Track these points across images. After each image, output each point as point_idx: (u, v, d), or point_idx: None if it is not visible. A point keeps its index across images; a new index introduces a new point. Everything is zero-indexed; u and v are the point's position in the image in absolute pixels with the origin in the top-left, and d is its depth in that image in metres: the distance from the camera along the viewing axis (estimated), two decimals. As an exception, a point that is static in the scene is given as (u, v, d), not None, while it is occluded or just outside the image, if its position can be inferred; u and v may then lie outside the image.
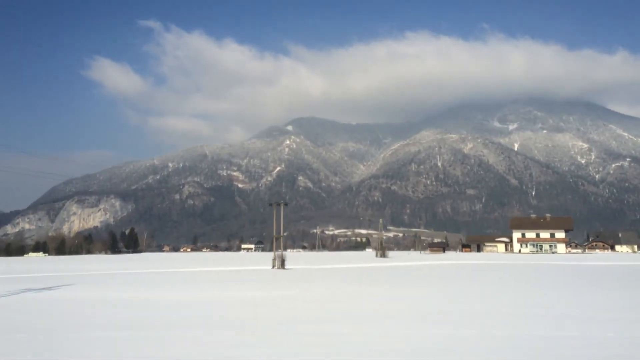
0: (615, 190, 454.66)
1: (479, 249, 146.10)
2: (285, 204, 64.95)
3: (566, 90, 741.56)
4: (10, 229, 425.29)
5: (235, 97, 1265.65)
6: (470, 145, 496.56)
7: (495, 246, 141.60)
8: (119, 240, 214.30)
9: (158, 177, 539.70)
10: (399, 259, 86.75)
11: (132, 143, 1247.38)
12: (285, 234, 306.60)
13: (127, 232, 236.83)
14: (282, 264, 53.19)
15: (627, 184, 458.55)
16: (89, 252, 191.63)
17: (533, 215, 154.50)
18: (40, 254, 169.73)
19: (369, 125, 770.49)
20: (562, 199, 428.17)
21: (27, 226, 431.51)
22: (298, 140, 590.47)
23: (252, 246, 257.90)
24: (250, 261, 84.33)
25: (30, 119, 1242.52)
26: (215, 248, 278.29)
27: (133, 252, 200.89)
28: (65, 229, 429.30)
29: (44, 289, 31.14)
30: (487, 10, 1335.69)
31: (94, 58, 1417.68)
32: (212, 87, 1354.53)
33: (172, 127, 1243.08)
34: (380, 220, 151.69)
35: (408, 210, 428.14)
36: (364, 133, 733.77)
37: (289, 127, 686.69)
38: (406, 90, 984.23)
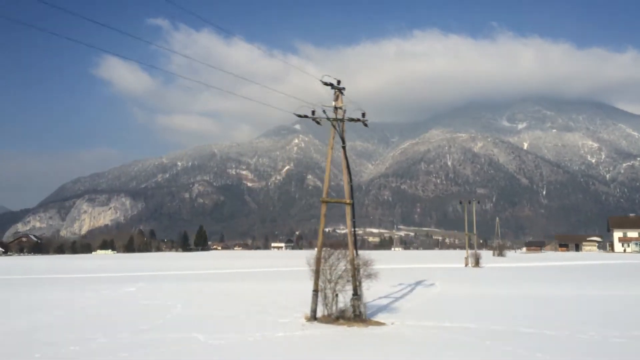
0: (626, 190, 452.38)
1: (577, 249, 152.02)
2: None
3: (575, 89, 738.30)
4: (21, 227, 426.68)
5: (243, 95, 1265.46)
6: (480, 145, 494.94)
7: (595, 245, 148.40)
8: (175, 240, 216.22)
9: (167, 175, 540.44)
10: (527, 259, 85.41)
11: (139, 141, 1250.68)
12: (297, 232, 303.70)
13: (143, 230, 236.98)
14: (477, 262, 53.37)
15: (638, 184, 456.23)
16: (158, 249, 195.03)
17: (632, 215, 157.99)
18: (109, 251, 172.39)
19: (376, 124, 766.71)
20: (573, 199, 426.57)
21: (37, 224, 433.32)
22: (306, 139, 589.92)
23: (283, 245, 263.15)
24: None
25: (38, 118, 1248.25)
26: (246, 247, 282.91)
27: (202, 249, 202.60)
28: (76, 227, 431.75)
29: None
30: (496, 8, 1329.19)
31: (102, 57, 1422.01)
32: (221, 86, 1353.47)
33: (179, 126, 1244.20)
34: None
35: (418, 210, 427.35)
36: (371, 132, 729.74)
37: (297, 126, 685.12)
38: (414, 89, 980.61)
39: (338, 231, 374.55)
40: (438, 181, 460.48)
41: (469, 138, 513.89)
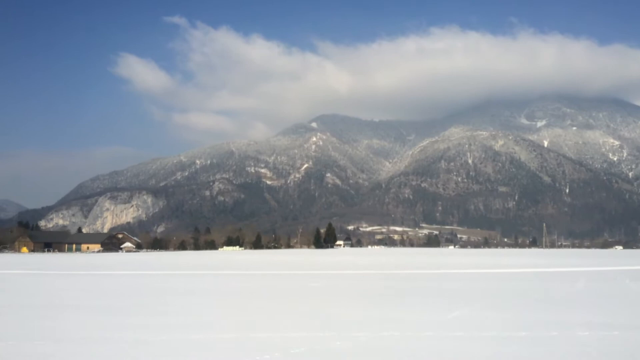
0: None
1: None
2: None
3: (595, 86, 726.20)
4: (44, 225, 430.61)
5: (261, 93, 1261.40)
6: (501, 142, 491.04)
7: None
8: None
9: (186, 173, 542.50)
10: None
11: (154, 140, 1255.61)
12: (323, 230, 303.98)
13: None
14: None
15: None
16: (289, 246, 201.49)
17: None
18: (237, 247, 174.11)
19: (392, 122, 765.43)
20: (596, 197, 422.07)
21: (60, 222, 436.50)
22: (324, 137, 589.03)
23: (342, 242, 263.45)
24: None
25: (50, 117, 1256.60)
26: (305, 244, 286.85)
27: (330, 246, 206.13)
28: (98, 224, 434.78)
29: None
30: (517, 4, 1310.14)
31: (120, 55, 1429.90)
32: (239, 84, 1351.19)
33: (195, 124, 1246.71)
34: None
35: (440, 208, 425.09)
36: (387, 130, 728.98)
37: (313, 124, 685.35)
38: (431, 86, 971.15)
39: (361, 229, 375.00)
40: (459, 179, 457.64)
41: (489, 136, 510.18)
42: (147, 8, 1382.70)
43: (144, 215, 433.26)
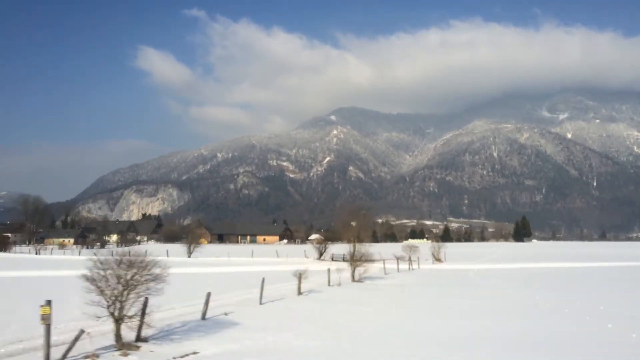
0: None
1: None
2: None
3: (618, 79, 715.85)
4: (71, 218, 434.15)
5: (280, 86, 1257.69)
6: (526, 135, 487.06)
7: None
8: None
9: (208, 166, 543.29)
10: None
11: (170, 133, 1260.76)
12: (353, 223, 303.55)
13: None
14: None
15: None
16: (482, 239, 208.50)
17: None
18: (423, 240, 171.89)
19: (410, 115, 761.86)
20: (625, 191, 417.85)
21: (87, 215, 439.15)
22: (345, 130, 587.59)
23: None
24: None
25: (67, 110, 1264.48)
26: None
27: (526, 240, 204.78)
28: (125, 217, 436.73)
29: None
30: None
31: (139, 48, 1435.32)
32: (259, 77, 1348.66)
33: (211, 117, 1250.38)
34: None
35: (466, 201, 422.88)
36: (405, 123, 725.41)
37: (332, 117, 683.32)
38: (451, 79, 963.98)
39: (392, 222, 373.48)
40: (484, 172, 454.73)
41: (514, 129, 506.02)
42: (166, 1, 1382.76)
43: (169, 209, 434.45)
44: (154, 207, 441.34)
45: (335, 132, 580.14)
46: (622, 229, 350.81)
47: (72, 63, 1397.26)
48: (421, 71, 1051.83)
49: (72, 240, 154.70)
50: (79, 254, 72.25)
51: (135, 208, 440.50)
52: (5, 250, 79.10)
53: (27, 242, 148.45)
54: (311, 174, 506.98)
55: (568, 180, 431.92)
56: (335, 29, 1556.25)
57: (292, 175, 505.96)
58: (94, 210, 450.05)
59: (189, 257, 64.37)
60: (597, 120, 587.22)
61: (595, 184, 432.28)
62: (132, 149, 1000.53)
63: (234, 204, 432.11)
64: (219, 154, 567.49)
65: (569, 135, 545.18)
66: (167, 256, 58.07)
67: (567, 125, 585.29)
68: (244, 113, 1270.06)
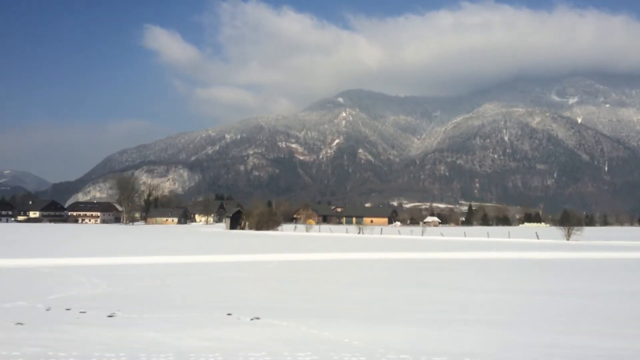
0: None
1: None
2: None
3: (629, 63, 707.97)
4: (81, 197, 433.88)
5: (289, 67, 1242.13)
6: (537, 119, 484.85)
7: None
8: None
9: (217, 147, 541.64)
10: None
11: (175, 114, 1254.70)
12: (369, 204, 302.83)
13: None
14: None
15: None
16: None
17: None
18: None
19: (417, 98, 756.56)
20: (636, 175, 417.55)
21: (97, 194, 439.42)
22: (354, 112, 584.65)
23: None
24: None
25: (69, 89, 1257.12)
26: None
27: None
28: (136, 198, 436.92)
29: None
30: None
31: (145, 26, 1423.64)
32: (268, 57, 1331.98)
33: (217, 98, 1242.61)
34: None
35: (477, 185, 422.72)
36: (412, 106, 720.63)
37: (340, 99, 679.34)
38: (461, 62, 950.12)
39: (404, 206, 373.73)
40: (495, 156, 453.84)
41: (525, 113, 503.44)
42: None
43: (180, 189, 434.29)
44: (165, 188, 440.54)
45: (344, 114, 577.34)
46: (635, 213, 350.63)
47: (78, 41, 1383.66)
48: (430, 53, 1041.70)
49: (175, 220, 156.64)
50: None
51: (146, 189, 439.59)
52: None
53: (124, 221, 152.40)
54: (320, 156, 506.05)
55: (580, 164, 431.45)
56: (346, 9, 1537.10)
57: (301, 157, 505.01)
58: (105, 190, 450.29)
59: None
60: (607, 105, 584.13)
61: (606, 168, 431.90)
62: (136, 129, 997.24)
63: (244, 186, 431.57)
64: (227, 135, 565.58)
65: (579, 120, 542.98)
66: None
67: (577, 109, 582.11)
68: (250, 94, 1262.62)
